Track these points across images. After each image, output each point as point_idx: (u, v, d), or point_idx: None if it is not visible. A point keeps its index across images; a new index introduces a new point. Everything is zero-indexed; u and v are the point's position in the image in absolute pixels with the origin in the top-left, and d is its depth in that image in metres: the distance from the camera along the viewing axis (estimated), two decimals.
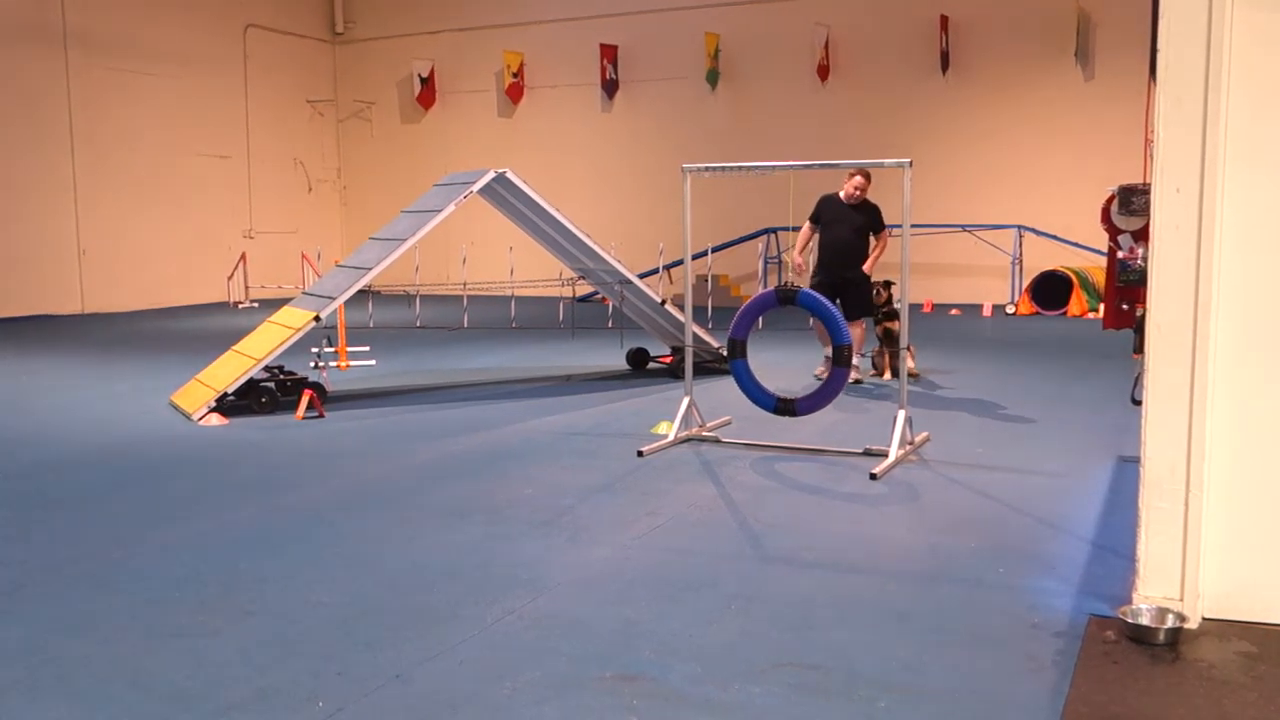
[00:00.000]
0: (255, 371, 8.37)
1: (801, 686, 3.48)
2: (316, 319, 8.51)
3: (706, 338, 10.09)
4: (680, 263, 9.68)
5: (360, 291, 8.90)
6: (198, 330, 15.10)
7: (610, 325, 13.15)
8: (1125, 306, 6.91)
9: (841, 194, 9.48)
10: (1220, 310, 3.83)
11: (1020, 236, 17.10)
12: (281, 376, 8.70)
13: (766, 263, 17.96)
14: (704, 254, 15.59)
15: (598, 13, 20.33)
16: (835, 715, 3.29)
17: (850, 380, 9.22)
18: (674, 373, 10.05)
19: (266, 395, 8.49)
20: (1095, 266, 15.68)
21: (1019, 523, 5.36)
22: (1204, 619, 3.95)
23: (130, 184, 18.74)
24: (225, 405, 8.24)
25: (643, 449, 6.92)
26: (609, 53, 20.33)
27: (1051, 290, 16.34)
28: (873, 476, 6.23)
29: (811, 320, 9.83)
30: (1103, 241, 7.75)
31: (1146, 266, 3.92)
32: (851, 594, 4.34)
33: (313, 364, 9.40)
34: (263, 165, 21.19)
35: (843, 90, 18.95)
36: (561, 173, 19.96)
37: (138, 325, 16.12)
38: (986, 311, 16.80)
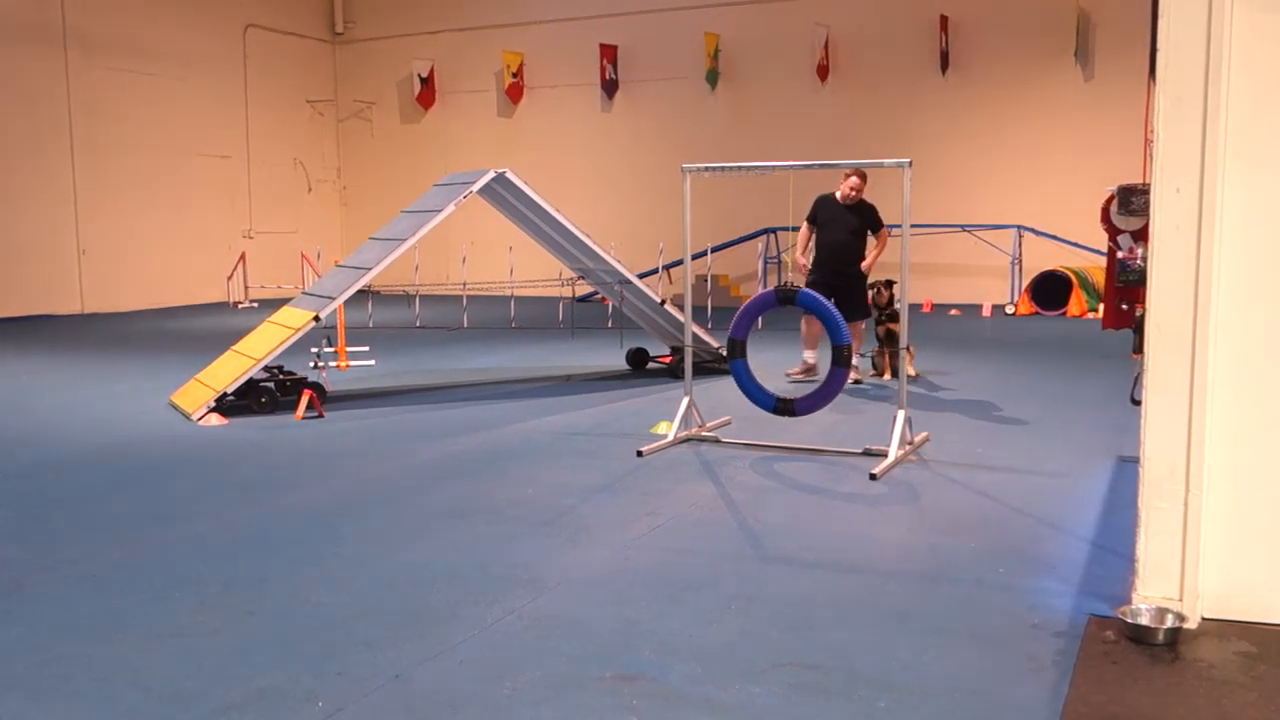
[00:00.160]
0: (255, 371, 8.37)
1: (801, 686, 3.48)
2: (316, 319, 8.51)
3: (706, 338, 10.09)
4: (680, 263, 9.68)
5: (360, 291, 8.90)
6: (197, 330, 15.10)
7: (610, 325, 13.15)
8: (1125, 306, 6.92)
9: (838, 194, 9.47)
10: (1220, 310, 3.83)
11: (1020, 236, 17.10)
12: (281, 376, 8.70)
13: (766, 263, 17.95)
14: (704, 254, 15.59)
15: (597, 13, 20.33)
16: (835, 715, 3.30)
17: (850, 381, 9.22)
18: (674, 373, 10.05)
19: (266, 395, 8.49)
20: (1095, 266, 15.67)
21: (1019, 523, 5.36)
22: (1203, 619, 3.95)
23: (130, 184, 18.74)
24: (225, 405, 8.24)
25: (642, 449, 6.92)
26: (609, 53, 20.33)
27: (1051, 290, 16.34)
28: (872, 477, 6.23)
29: (803, 322, 9.80)
30: (1102, 241, 7.75)
31: (1146, 266, 3.93)
32: (851, 594, 4.34)
33: (312, 364, 9.40)
34: (262, 165, 21.19)
35: (842, 90, 18.96)
36: (561, 173, 19.96)
37: (137, 325, 16.12)
38: (986, 311, 16.81)
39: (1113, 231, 6.88)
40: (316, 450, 7.21)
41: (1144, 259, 5.99)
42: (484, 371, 11.03)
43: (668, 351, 10.66)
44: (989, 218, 17.55)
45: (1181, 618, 3.84)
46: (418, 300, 15.67)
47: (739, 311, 7.27)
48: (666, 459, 6.80)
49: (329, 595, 4.36)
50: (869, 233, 9.56)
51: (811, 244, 9.73)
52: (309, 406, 8.32)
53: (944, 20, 18.02)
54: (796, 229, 9.83)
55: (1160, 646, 3.74)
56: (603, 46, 20.27)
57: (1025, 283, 16.78)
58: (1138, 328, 6.53)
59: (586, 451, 7.07)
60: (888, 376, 9.89)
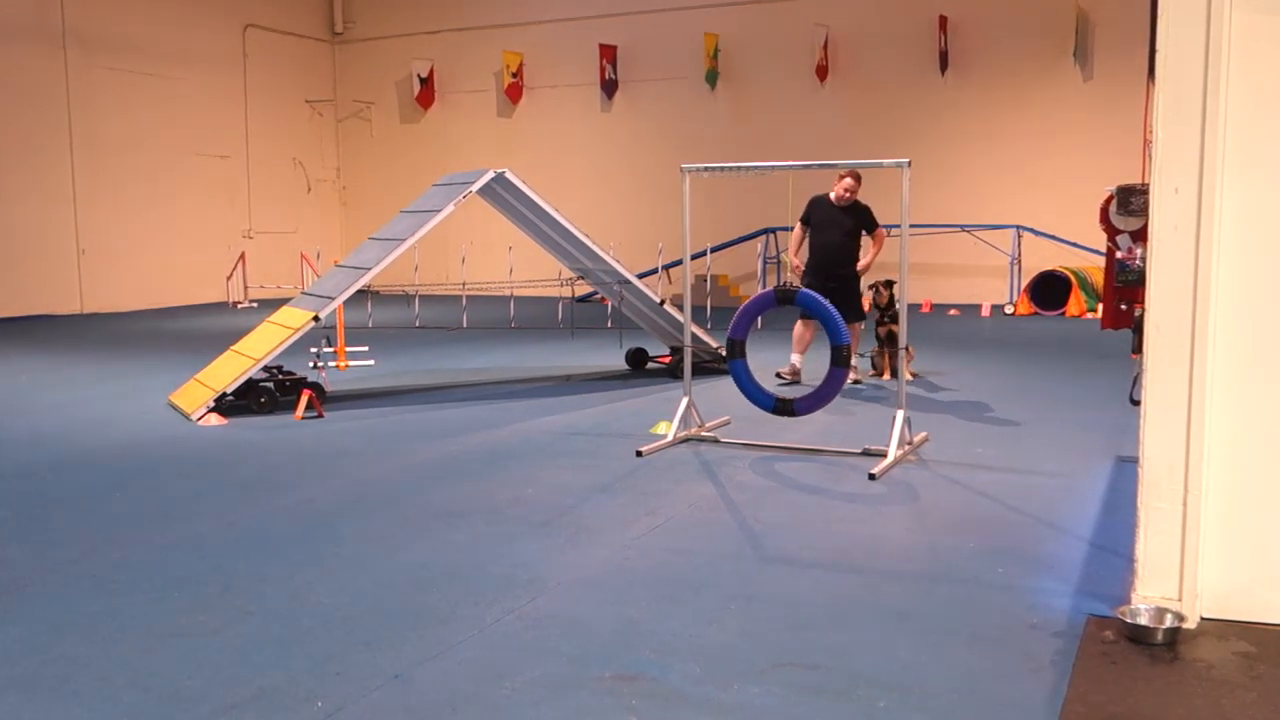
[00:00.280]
0: (254, 371, 8.37)
1: (801, 686, 3.49)
2: (316, 319, 8.51)
3: (705, 338, 10.09)
4: (679, 263, 9.67)
5: (359, 291, 8.90)
6: (197, 330, 15.10)
7: (609, 325, 13.15)
8: (1124, 307, 6.91)
9: (832, 195, 9.43)
10: (1219, 310, 3.84)
11: (1019, 236, 17.11)
12: (280, 376, 8.70)
13: (765, 263, 17.96)
14: (703, 254, 15.59)
15: (597, 13, 20.33)
16: (835, 715, 3.30)
17: (849, 381, 9.23)
18: (673, 373, 10.05)
19: (265, 395, 8.49)
20: (1094, 267, 15.69)
21: (1018, 523, 5.36)
22: (1202, 619, 3.95)
23: (129, 184, 18.74)
24: (224, 405, 8.24)
25: (642, 449, 6.93)
26: (608, 53, 20.34)
27: (1050, 290, 16.35)
28: (872, 477, 6.23)
29: (799, 324, 9.79)
30: (1101, 241, 7.75)
31: (1145, 266, 3.93)
32: (851, 594, 4.35)
33: (312, 364, 9.40)
34: (262, 165, 21.19)
35: (842, 90, 18.96)
36: (561, 173, 19.97)
37: (137, 325, 16.12)
38: (985, 312, 16.81)
39: (1112, 232, 6.88)
40: (316, 450, 7.21)
41: (1143, 259, 5.99)
42: (483, 371, 11.03)
43: (667, 351, 10.67)
44: (988, 218, 17.56)
45: (1180, 618, 3.84)
46: (417, 300, 15.68)
47: (738, 312, 7.27)
48: (666, 459, 6.80)
49: (329, 595, 4.36)
50: (863, 234, 9.54)
51: (805, 245, 9.71)
52: (308, 406, 8.32)
53: (943, 20, 18.03)
54: (794, 229, 9.83)
55: (1159, 646, 3.75)
56: (602, 46, 20.27)
57: (1024, 283, 16.79)
58: (1137, 328, 6.53)
59: (586, 451, 7.07)
60: (887, 376, 9.89)
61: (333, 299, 8.69)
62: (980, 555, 4.83)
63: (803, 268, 9.63)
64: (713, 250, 16.17)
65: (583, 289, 14.74)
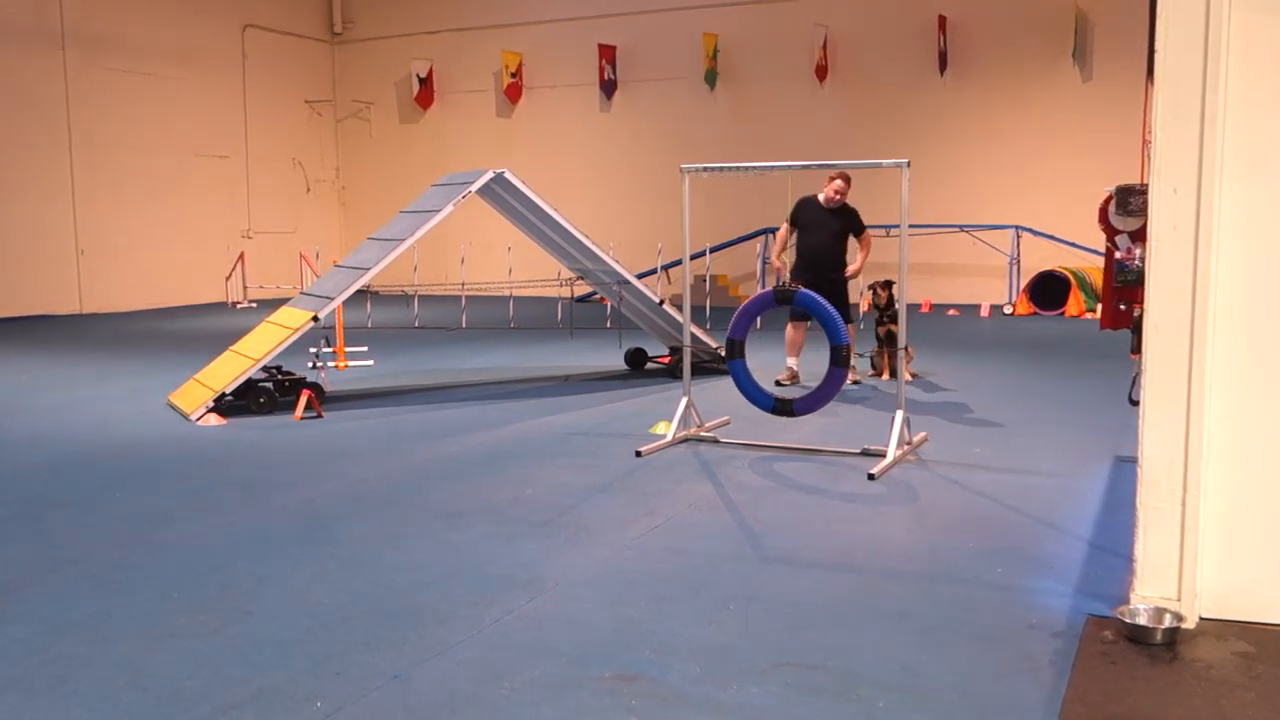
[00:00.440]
0: (253, 372, 8.37)
1: (800, 686, 3.49)
2: (315, 319, 8.51)
3: (705, 338, 10.09)
4: (679, 263, 9.68)
5: (359, 291, 8.90)
6: (196, 330, 15.10)
7: (609, 325, 13.15)
8: (1123, 307, 6.92)
9: (820, 197, 9.36)
10: (1218, 311, 3.84)
11: (1018, 237, 17.11)
12: (280, 377, 8.70)
13: (765, 263, 17.96)
14: (702, 254, 15.59)
15: (596, 13, 20.33)
16: (834, 715, 3.30)
17: (848, 382, 9.23)
18: (672, 373, 10.05)
19: (265, 395, 8.49)
20: (1093, 267, 15.69)
21: (1017, 523, 5.37)
22: (1201, 619, 3.95)
23: (128, 184, 18.73)
24: (223, 405, 8.24)
25: (641, 449, 6.93)
26: (607, 53, 20.33)
27: (1049, 290, 16.36)
28: (871, 477, 6.23)
29: (789, 328, 9.76)
30: (1100, 242, 7.76)
31: (1144, 267, 3.93)
32: (850, 594, 4.35)
33: (311, 364, 9.40)
34: (261, 165, 21.19)
35: (841, 90, 18.97)
36: (560, 173, 19.97)
37: (136, 325, 16.11)
38: (984, 312, 16.82)
39: (1111, 232, 6.88)
40: (315, 451, 7.21)
41: (1142, 259, 6.00)
42: (483, 372, 11.03)
43: (666, 352, 10.67)
44: (987, 218, 17.56)
45: (1180, 618, 3.85)
46: (416, 300, 15.68)
47: (737, 312, 7.28)
48: (665, 459, 6.81)
49: (328, 595, 4.36)
50: (850, 236, 9.47)
51: (791, 246, 9.64)
52: (307, 407, 8.32)
53: (942, 20, 18.03)
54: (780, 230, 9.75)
55: (1158, 646, 3.75)
56: (601, 47, 20.27)
57: (1023, 283, 16.80)
58: (1136, 328, 6.53)
59: (585, 452, 7.07)
60: (886, 377, 9.90)
61: (332, 299, 8.69)
62: (979, 555, 4.83)
63: (786, 269, 9.57)
64: (712, 250, 16.17)
65: (582, 289, 14.75)
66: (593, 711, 3.32)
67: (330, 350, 10.37)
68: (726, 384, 7.83)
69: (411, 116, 22.32)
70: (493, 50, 21.13)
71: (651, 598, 4.30)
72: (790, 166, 7.77)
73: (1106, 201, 6.87)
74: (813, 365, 10.23)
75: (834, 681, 3.52)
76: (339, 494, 6.05)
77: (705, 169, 7.66)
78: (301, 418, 8.25)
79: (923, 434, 7.21)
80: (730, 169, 7.78)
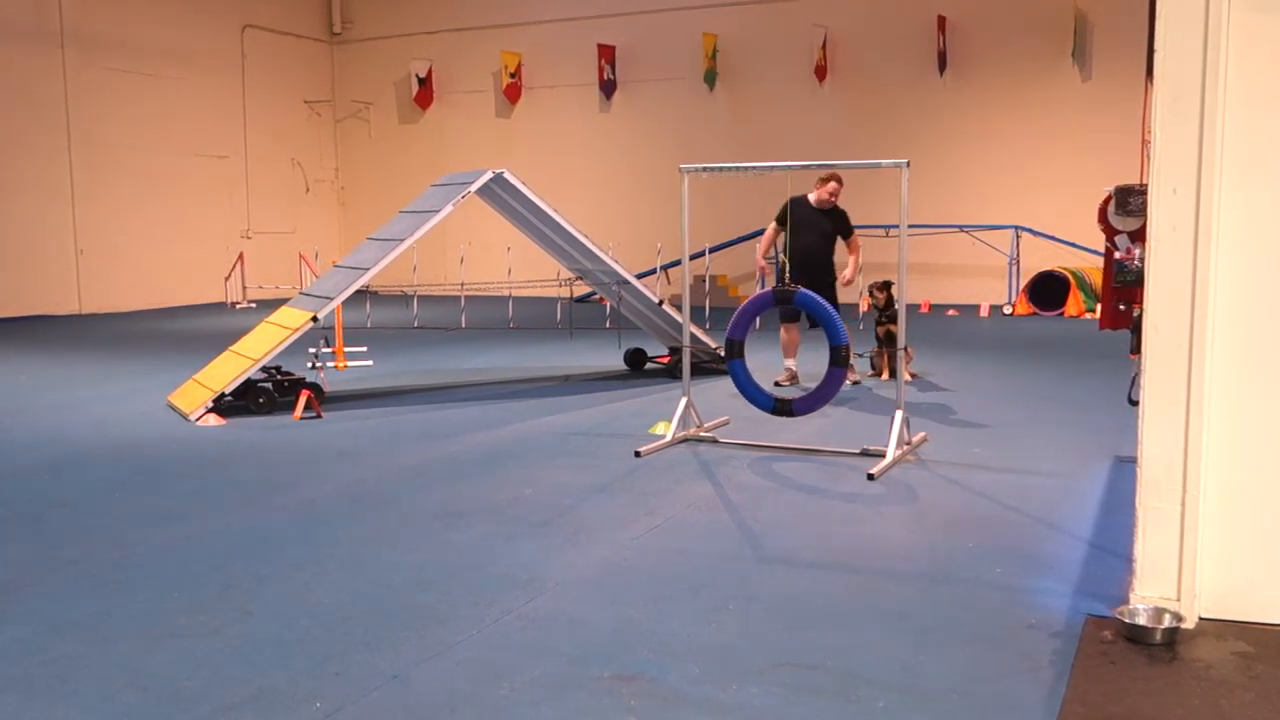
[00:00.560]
0: (253, 372, 8.36)
1: (800, 686, 3.49)
2: (314, 319, 8.51)
3: (704, 338, 10.09)
4: (678, 263, 9.67)
5: (358, 292, 8.90)
6: (195, 330, 15.10)
7: (608, 326, 13.15)
8: (1122, 307, 6.92)
9: (811, 198, 9.30)
10: (1217, 311, 3.84)
11: (1017, 237, 17.12)
12: (279, 377, 8.69)
13: (778, 265, 17.94)
14: (702, 254, 15.59)
15: (596, 13, 20.33)
16: (833, 715, 3.30)
17: (848, 383, 9.22)
18: (672, 373, 10.05)
19: (264, 396, 8.49)
20: (1092, 267, 15.70)
21: (1016, 523, 5.37)
22: (1201, 619, 3.95)
23: (128, 184, 18.73)
24: (223, 406, 8.24)
25: (641, 449, 6.93)
26: (607, 53, 20.34)
27: (1049, 291, 16.36)
28: (870, 477, 6.23)
29: (782, 330, 9.76)
30: (1100, 242, 7.76)
31: (1143, 267, 3.93)
32: (849, 594, 4.35)
33: (310, 364, 9.40)
34: (260, 165, 21.19)
35: (840, 91, 18.97)
36: (559, 173, 19.96)
37: (135, 325, 16.11)
38: (984, 312, 16.82)
39: (1110, 232, 6.88)
40: (314, 451, 7.21)
41: (1141, 259, 6.00)
42: (482, 372, 11.03)
43: (666, 352, 10.67)
44: (987, 218, 17.57)
45: (1179, 618, 3.85)
46: (416, 300, 15.67)
47: (737, 312, 7.27)
48: (665, 459, 6.81)
49: (328, 595, 4.36)
50: (840, 238, 9.45)
51: (776, 247, 9.59)
52: (307, 407, 8.32)
53: (942, 21, 18.03)
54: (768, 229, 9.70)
55: (1158, 646, 3.75)
56: (601, 47, 20.27)
57: (1023, 283, 16.80)
58: (1135, 328, 6.53)
59: (585, 452, 7.07)
60: (886, 377, 9.90)
61: (331, 299, 8.69)
62: (979, 555, 4.84)
63: (770, 269, 9.51)
64: (711, 250, 16.18)
65: (581, 289, 14.75)
66: (592, 711, 3.32)
67: (329, 350, 10.38)
68: (726, 384, 7.83)
69: (411, 117, 22.32)
70: (492, 50, 21.13)
71: (651, 598, 4.31)
72: (790, 166, 7.77)
73: (1106, 201, 6.87)
74: (812, 366, 10.24)
75: (833, 681, 3.52)
76: (338, 494, 6.05)
77: (704, 169, 7.66)
78: (301, 418, 8.24)
79: (922, 434, 7.21)
80: (729, 169, 7.79)
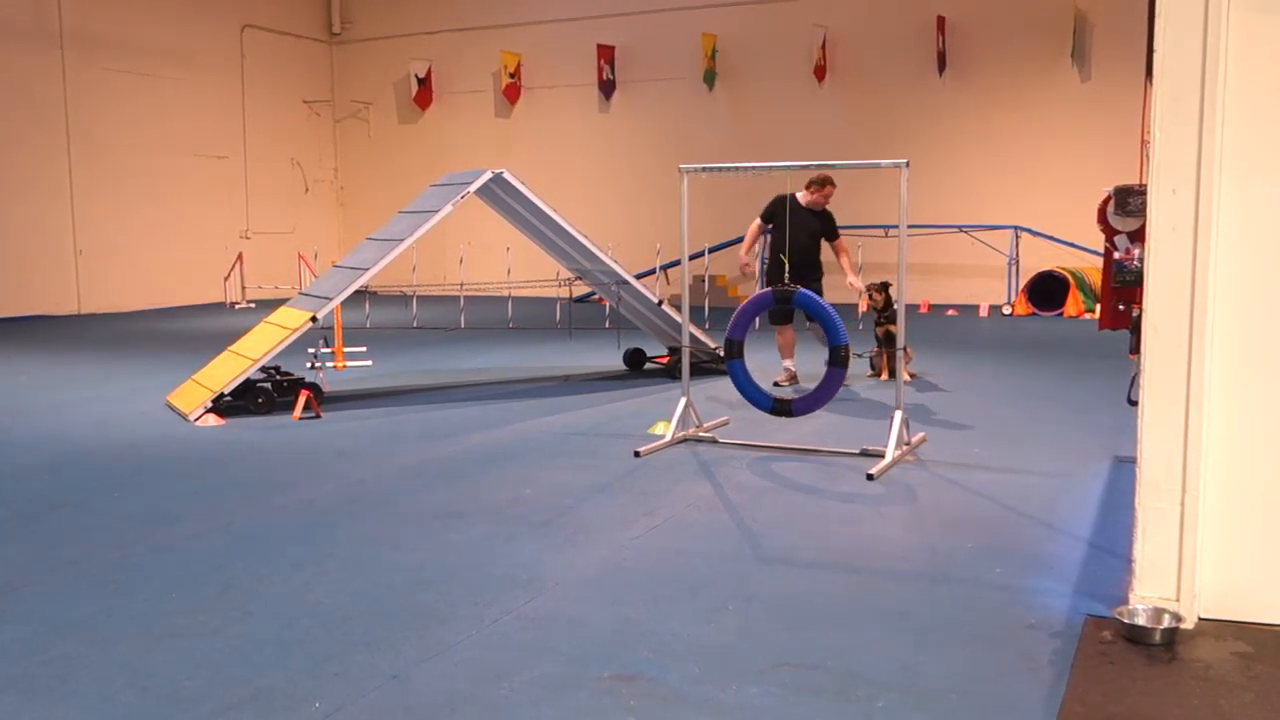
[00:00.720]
0: (252, 372, 8.36)
1: (799, 686, 3.49)
2: (313, 319, 8.51)
3: (704, 338, 10.10)
4: (677, 263, 9.66)
5: (357, 292, 8.90)
6: (194, 330, 15.10)
7: (608, 326, 13.15)
8: (1122, 307, 6.93)
9: (800, 197, 9.27)
10: (1217, 311, 3.84)
11: (1017, 237, 17.12)
12: (278, 377, 8.69)
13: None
14: (701, 254, 15.59)
15: (595, 13, 20.34)
16: (833, 715, 3.30)
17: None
18: (671, 373, 10.05)
19: (263, 396, 8.49)
20: (1092, 267, 15.70)
21: (1016, 523, 5.37)
22: (1200, 619, 3.96)
23: (127, 184, 18.72)
24: (222, 406, 8.24)
25: (640, 449, 6.93)
26: (606, 53, 20.34)
27: (1048, 291, 16.36)
28: (870, 477, 6.23)
29: (777, 332, 9.75)
30: (1099, 242, 7.77)
31: (1143, 267, 3.93)
32: (849, 594, 4.35)
33: (310, 364, 9.40)
34: (259, 166, 21.18)
35: (840, 91, 18.97)
36: (559, 173, 19.96)
37: (134, 326, 16.11)
38: (983, 312, 16.83)
39: (1109, 232, 6.89)
40: (314, 451, 7.21)
41: (1141, 260, 6.00)
42: (481, 372, 11.03)
43: (665, 352, 10.67)
44: (986, 218, 17.57)
45: (1178, 618, 3.85)
46: (415, 301, 15.67)
47: (736, 312, 7.27)
48: (664, 459, 6.81)
49: (327, 595, 4.36)
50: (825, 239, 9.43)
51: (760, 245, 9.54)
52: (306, 407, 8.32)
53: (941, 21, 18.04)
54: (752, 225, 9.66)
55: (1157, 646, 3.75)
56: (600, 47, 20.27)
57: (1022, 283, 16.80)
58: (1134, 328, 6.54)
59: (584, 452, 7.07)
60: (885, 377, 9.90)
61: (330, 299, 8.69)
62: (978, 555, 4.84)
63: (754, 266, 9.48)
64: (711, 251, 16.18)
65: (581, 289, 14.75)
66: (592, 711, 3.32)
67: (329, 350, 10.38)
68: (725, 384, 7.83)
69: (410, 117, 22.32)
70: (491, 50, 21.13)
71: (650, 598, 4.31)
72: (790, 166, 7.77)
73: (1105, 202, 6.87)
74: (812, 366, 10.24)
75: (833, 681, 3.52)
76: (338, 494, 6.05)
77: (704, 169, 7.66)
78: (300, 418, 8.24)
79: (921, 434, 7.22)
80: (729, 169, 7.79)
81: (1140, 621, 3.84)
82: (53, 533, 5.34)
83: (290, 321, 8.79)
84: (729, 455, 6.92)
